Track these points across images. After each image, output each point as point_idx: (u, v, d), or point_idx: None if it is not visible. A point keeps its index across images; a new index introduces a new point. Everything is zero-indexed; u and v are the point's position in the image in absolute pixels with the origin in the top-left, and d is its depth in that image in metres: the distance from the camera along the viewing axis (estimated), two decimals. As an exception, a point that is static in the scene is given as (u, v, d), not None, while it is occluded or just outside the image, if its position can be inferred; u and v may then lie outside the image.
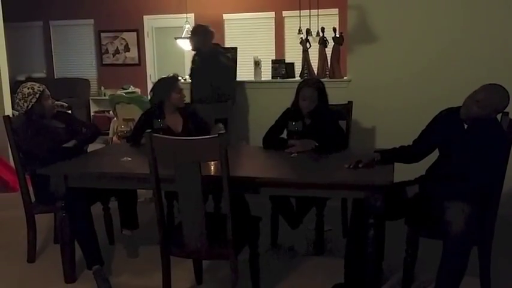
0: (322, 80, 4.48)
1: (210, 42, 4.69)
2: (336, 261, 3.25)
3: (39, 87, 3.48)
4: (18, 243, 3.74)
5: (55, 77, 9.73)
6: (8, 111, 5.61)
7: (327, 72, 4.62)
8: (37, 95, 3.43)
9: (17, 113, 3.63)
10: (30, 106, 3.41)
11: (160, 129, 3.40)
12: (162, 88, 3.74)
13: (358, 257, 2.81)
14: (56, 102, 3.58)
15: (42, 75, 9.32)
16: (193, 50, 4.77)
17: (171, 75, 3.86)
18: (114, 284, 3.07)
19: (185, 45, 7.70)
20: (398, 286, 2.97)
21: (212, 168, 2.93)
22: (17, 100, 3.45)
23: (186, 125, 3.76)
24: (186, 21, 7.79)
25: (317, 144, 3.31)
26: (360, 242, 2.74)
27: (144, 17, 9.15)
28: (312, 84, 3.53)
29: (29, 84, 3.49)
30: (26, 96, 3.42)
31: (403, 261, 2.86)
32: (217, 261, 3.17)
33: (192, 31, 4.77)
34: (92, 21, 9.43)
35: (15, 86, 5.91)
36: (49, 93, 3.53)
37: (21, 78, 8.96)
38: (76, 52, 9.71)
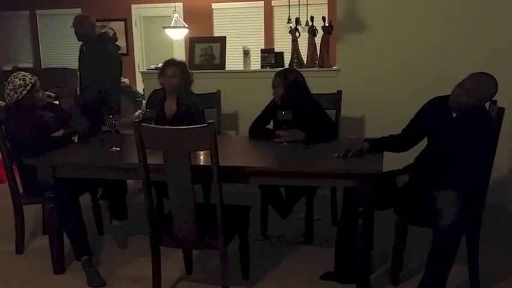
0: (311, 69, 4.50)
1: (93, 31, 4.65)
2: (325, 250, 3.27)
3: (30, 78, 3.40)
4: (6, 234, 3.71)
5: (42, 67, 9.60)
6: (-6, 101, 5.54)
7: (316, 62, 4.60)
8: (28, 87, 3.36)
9: (3, 103, 3.58)
10: (20, 97, 3.35)
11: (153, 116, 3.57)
12: (159, 73, 3.92)
13: (348, 246, 2.83)
14: (44, 92, 3.52)
15: (29, 65, 9.19)
16: (79, 40, 4.71)
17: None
18: (103, 275, 3.07)
19: (174, 34, 7.66)
20: (387, 274, 2.99)
21: (201, 158, 2.92)
22: (7, 90, 3.36)
23: (177, 112, 3.76)
24: (175, 11, 7.73)
25: (304, 135, 3.30)
26: (350, 231, 2.76)
27: (132, 6, 9.06)
28: (278, 72, 3.52)
29: (20, 74, 3.41)
30: (17, 87, 3.35)
31: (392, 250, 2.88)
32: (207, 251, 3.16)
33: (73, 22, 4.67)
34: (79, 10, 9.28)
35: (1, 76, 5.84)
36: (40, 84, 3.46)
37: (8, 68, 8.84)
38: (63, 42, 9.57)
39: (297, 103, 3.40)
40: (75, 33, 4.61)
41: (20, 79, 3.38)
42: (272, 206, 3.56)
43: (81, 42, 4.71)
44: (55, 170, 3.00)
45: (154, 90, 3.97)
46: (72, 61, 9.45)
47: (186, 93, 3.85)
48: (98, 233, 3.75)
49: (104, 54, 4.51)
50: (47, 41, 9.67)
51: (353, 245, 2.77)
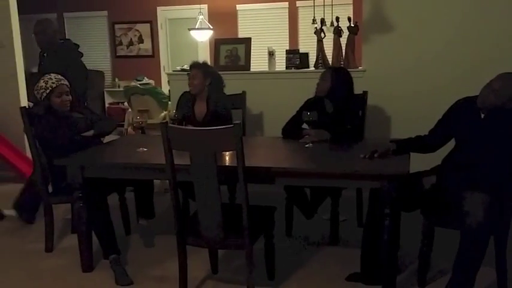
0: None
1: (56, 38, 4.37)
2: (351, 251, 3.26)
3: (53, 83, 3.46)
4: (36, 233, 3.80)
5: (70, 69, 9.78)
6: (24, 102, 5.66)
7: (342, 62, 4.59)
8: (47, 91, 3.45)
9: (31, 104, 3.67)
10: (41, 98, 3.46)
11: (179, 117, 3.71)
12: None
13: (374, 247, 2.81)
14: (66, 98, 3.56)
15: (56, 67, 9.37)
16: (42, 48, 4.37)
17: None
18: (130, 273, 3.10)
19: (199, 36, 7.72)
20: (414, 276, 2.96)
21: (227, 158, 2.94)
22: (34, 90, 3.51)
23: (207, 114, 3.80)
24: (200, 12, 7.78)
25: (331, 136, 3.31)
26: (376, 232, 2.74)
27: (158, 8, 9.17)
28: (330, 67, 3.58)
29: (47, 77, 3.50)
30: (39, 89, 3.46)
31: (419, 251, 2.86)
32: (232, 250, 3.18)
33: (35, 30, 4.28)
34: (105, 12, 9.47)
35: (30, 78, 5.97)
36: (64, 89, 3.49)
37: (36, 70, 9.00)
38: (90, 44, 9.72)
39: (338, 100, 3.44)
40: (39, 41, 4.27)
41: (44, 81, 3.47)
42: (297, 206, 3.57)
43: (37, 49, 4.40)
44: (84, 170, 3.06)
45: (184, 92, 4.01)
46: (98, 63, 9.64)
47: (217, 96, 3.87)
48: (125, 233, 3.80)
49: (70, 63, 4.18)
50: (74, 43, 9.83)
51: (379, 247, 2.75)
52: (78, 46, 4.48)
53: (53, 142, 3.41)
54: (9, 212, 4.00)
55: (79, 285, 3.09)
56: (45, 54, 4.24)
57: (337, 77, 3.49)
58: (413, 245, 2.92)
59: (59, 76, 3.55)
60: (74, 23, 9.75)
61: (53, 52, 4.19)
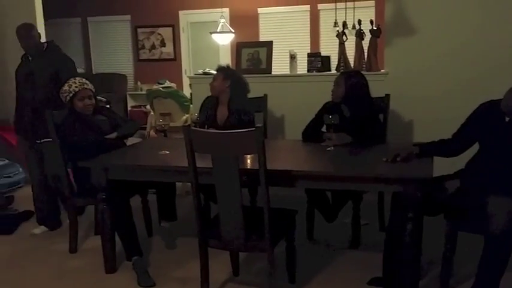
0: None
1: (40, 42, 4.09)
2: (372, 255, 3.24)
3: (76, 87, 3.53)
4: (60, 234, 3.87)
5: (93, 73, 9.93)
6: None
7: (364, 65, 4.57)
8: (70, 94, 3.52)
9: None
10: (66, 101, 3.55)
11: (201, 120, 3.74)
12: None
13: (396, 251, 2.78)
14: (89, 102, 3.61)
15: (80, 70, 9.45)
16: (28, 53, 3.99)
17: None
18: (152, 275, 3.14)
19: (220, 39, 7.77)
20: (436, 281, 2.93)
21: (248, 161, 2.95)
22: (59, 92, 3.59)
23: (229, 119, 3.82)
24: (221, 16, 7.83)
25: (352, 140, 3.30)
26: (399, 236, 2.72)
27: (180, 12, 9.25)
28: (343, 72, 3.57)
29: (71, 81, 3.57)
30: (63, 92, 3.55)
31: (442, 256, 2.82)
32: (253, 253, 3.19)
33: (21, 35, 3.96)
34: (128, 17, 9.59)
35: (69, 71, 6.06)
36: (87, 93, 3.55)
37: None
38: (113, 48, 9.89)
39: (354, 105, 3.42)
40: (25, 45, 3.94)
41: (68, 85, 3.54)
42: (318, 210, 3.56)
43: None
44: (107, 172, 3.10)
45: (208, 96, 4.03)
46: (121, 66, 9.76)
47: (239, 99, 3.88)
48: (147, 234, 3.84)
49: (59, 65, 3.92)
50: (98, 47, 9.98)
51: (401, 251, 2.72)
52: (59, 48, 4.15)
53: (76, 144, 3.47)
54: (39, 230, 4.00)
55: (102, 286, 3.13)
56: (30, 58, 3.94)
57: (351, 81, 3.46)
58: (436, 249, 2.89)
59: (84, 80, 3.61)
60: (98, 28, 9.89)
61: (38, 55, 3.93)
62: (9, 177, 5.04)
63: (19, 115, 3.99)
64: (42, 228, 4.02)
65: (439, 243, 2.83)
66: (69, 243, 3.62)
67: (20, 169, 5.08)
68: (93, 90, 3.62)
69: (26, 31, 3.92)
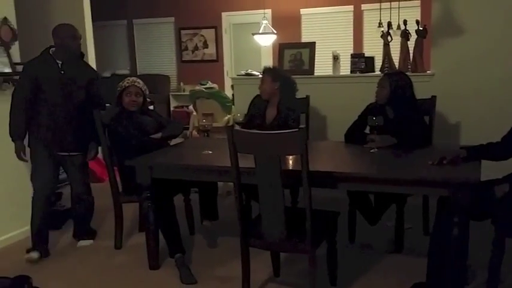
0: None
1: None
2: (415, 260, 3.19)
3: (126, 83, 3.66)
4: (106, 230, 3.97)
5: (137, 73, 10.11)
6: (96, 105, 5.91)
7: (409, 66, 4.49)
8: (120, 89, 3.66)
9: (108, 105, 3.84)
10: (117, 96, 3.67)
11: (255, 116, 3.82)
12: None
13: (441, 256, 2.73)
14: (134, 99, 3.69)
15: (126, 71, 9.71)
16: (70, 58, 3.54)
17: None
18: (194, 273, 3.18)
19: (262, 40, 7.79)
20: (483, 287, 2.85)
21: (290, 162, 2.95)
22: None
23: (276, 119, 3.83)
24: (264, 17, 7.85)
25: (396, 142, 3.25)
26: (444, 241, 2.66)
27: (223, 13, 9.32)
28: (387, 73, 3.54)
29: (126, 78, 3.75)
30: (117, 87, 3.69)
31: (488, 262, 2.74)
32: (294, 254, 3.19)
33: (65, 35, 3.49)
34: (172, 19, 9.73)
35: (101, 82, 6.23)
36: (134, 90, 3.64)
37: (107, 74, 9.40)
38: (157, 49, 10.06)
39: (399, 107, 3.38)
40: (72, 49, 3.51)
41: (122, 81, 3.70)
42: (360, 212, 3.52)
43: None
44: (152, 170, 3.17)
45: (257, 95, 4.05)
46: (164, 67, 9.93)
47: (288, 100, 3.88)
48: (189, 233, 3.89)
49: (95, 77, 3.74)
50: (143, 49, 10.17)
51: (447, 256, 2.66)
52: None
53: (122, 142, 3.56)
54: (85, 243, 3.84)
55: (146, 282, 3.19)
56: (58, 61, 3.48)
57: (396, 83, 3.41)
58: (482, 255, 2.81)
59: (137, 79, 3.74)
60: (143, 29, 10.08)
61: (73, 60, 3.56)
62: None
63: (39, 124, 3.50)
64: (88, 241, 3.84)
65: (486, 250, 2.75)
66: (115, 239, 3.71)
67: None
68: (144, 90, 3.71)
69: (77, 32, 3.55)
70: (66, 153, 3.58)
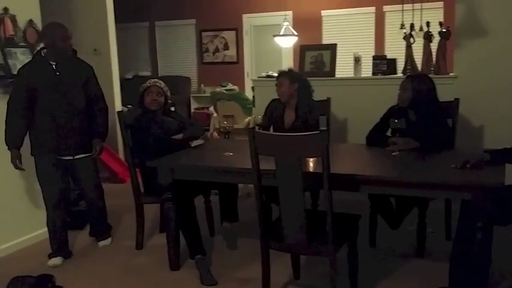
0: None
1: None
2: (437, 265, 3.15)
3: (148, 83, 3.72)
4: (127, 231, 4.00)
5: (159, 75, 10.19)
6: (118, 107, 5.98)
7: (432, 68, 4.44)
8: (142, 90, 3.70)
9: (130, 106, 3.88)
10: (139, 95, 3.71)
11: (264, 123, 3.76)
12: None
13: (464, 261, 2.68)
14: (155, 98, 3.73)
15: (147, 73, 9.80)
16: (63, 57, 3.41)
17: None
18: (214, 274, 3.19)
19: (283, 42, 7.78)
20: (507, 294, 2.81)
21: (311, 164, 2.94)
22: None
23: (295, 122, 3.83)
24: (285, 19, 7.84)
25: (419, 145, 3.22)
26: (467, 246, 2.62)
27: (244, 15, 9.34)
28: (409, 76, 3.50)
29: (148, 80, 3.80)
30: (140, 88, 3.74)
31: (513, 268, 2.70)
32: (315, 257, 3.18)
33: (67, 35, 3.37)
34: (193, 21, 9.79)
35: (123, 83, 6.30)
36: (156, 90, 3.68)
37: (129, 76, 9.49)
38: (178, 51, 10.12)
39: (421, 109, 3.34)
40: (64, 50, 3.37)
41: (144, 82, 3.75)
42: (382, 216, 3.49)
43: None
44: (173, 172, 3.19)
45: (273, 100, 4.06)
46: (185, 69, 9.98)
47: (307, 102, 3.88)
48: (209, 234, 3.91)
49: (91, 75, 3.59)
50: (164, 51, 10.25)
51: (469, 262, 2.62)
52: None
53: (144, 143, 3.59)
54: (105, 242, 3.87)
55: (166, 283, 3.21)
56: (52, 63, 3.36)
57: (418, 85, 3.38)
58: (507, 260, 2.76)
59: (159, 80, 3.79)
60: (164, 31, 10.15)
61: (66, 60, 3.42)
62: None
63: (40, 130, 3.40)
64: (107, 241, 3.85)
65: (510, 254, 2.70)
66: (136, 240, 3.74)
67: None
68: (165, 90, 3.74)
69: (69, 31, 3.35)
70: (71, 157, 3.47)
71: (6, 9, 3.69)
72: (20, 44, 3.78)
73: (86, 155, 3.54)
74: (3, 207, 3.71)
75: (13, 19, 3.75)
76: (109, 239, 3.89)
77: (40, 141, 3.41)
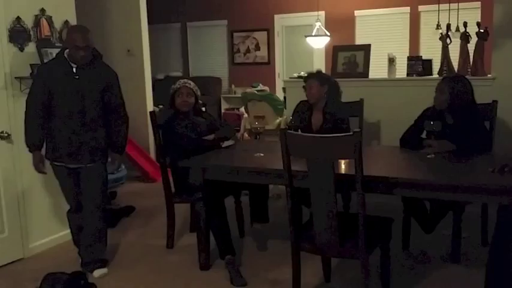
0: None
1: None
2: (473, 270, 3.07)
3: (178, 85, 3.70)
4: (158, 230, 4.03)
5: (190, 76, 10.26)
6: (150, 107, 6.04)
7: (469, 70, 4.33)
8: (173, 91, 3.71)
9: (161, 106, 3.90)
10: (170, 99, 3.72)
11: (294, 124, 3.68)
12: None
13: (500, 268, 2.60)
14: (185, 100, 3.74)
15: (178, 74, 9.88)
16: (84, 62, 3.17)
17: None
18: (244, 275, 3.18)
19: (315, 43, 7.74)
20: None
21: (343, 166, 2.90)
22: None
23: (324, 125, 3.79)
24: (317, 19, 7.79)
25: (455, 148, 3.14)
26: (504, 252, 2.54)
27: (275, 16, 9.32)
28: (445, 78, 3.42)
29: (178, 81, 3.78)
30: (171, 90, 3.73)
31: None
32: (346, 261, 3.13)
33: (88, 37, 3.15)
34: (225, 21, 9.82)
35: (155, 84, 6.36)
36: (186, 91, 3.67)
37: (161, 77, 9.59)
38: (210, 52, 10.18)
39: (458, 112, 3.27)
40: (85, 54, 3.14)
41: (174, 84, 3.73)
42: (415, 219, 3.42)
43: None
44: (205, 172, 3.19)
45: (300, 102, 4.03)
46: (216, 70, 10.03)
47: (335, 104, 3.85)
48: (239, 235, 3.90)
49: (114, 81, 3.35)
50: (196, 51, 10.32)
51: (506, 269, 2.54)
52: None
53: (176, 143, 3.60)
54: (102, 271, 3.38)
55: (196, 282, 3.22)
56: (73, 66, 3.16)
57: (455, 88, 3.28)
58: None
59: (189, 81, 3.78)
60: (196, 32, 10.22)
61: (86, 65, 3.20)
62: (112, 173, 5.34)
63: (54, 134, 3.21)
64: (102, 270, 3.39)
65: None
66: (167, 239, 3.76)
67: (123, 166, 5.37)
68: (195, 90, 3.73)
69: (83, 42, 3.09)
70: (83, 165, 3.24)
71: (43, 10, 3.76)
72: (56, 45, 3.84)
73: (95, 164, 3.27)
74: (38, 204, 3.78)
75: (49, 20, 3.81)
76: (105, 270, 3.39)
77: (53, 145, 3.23)
